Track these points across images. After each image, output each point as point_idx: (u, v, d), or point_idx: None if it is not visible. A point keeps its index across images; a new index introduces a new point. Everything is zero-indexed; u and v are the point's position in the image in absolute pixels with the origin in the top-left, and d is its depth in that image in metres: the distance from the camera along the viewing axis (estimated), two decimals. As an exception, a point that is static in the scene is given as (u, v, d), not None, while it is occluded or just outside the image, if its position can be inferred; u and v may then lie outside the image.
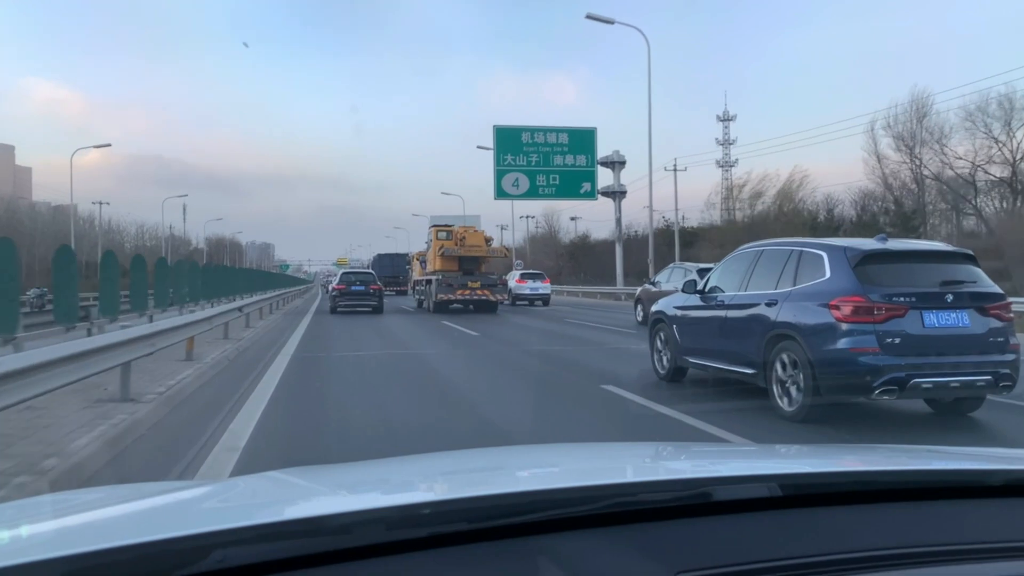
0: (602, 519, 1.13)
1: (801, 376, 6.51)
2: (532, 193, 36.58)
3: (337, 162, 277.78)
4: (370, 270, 34.56)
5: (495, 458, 1.96)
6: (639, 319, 19.91)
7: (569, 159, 36.68)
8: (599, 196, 37.62)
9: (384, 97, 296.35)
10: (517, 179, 36.65)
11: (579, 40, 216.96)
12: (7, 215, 60.12)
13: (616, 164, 37.50)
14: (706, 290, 8.35)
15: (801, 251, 7.18)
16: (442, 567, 1.02)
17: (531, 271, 36.65)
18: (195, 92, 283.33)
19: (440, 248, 27.15)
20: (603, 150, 37.58)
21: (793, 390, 6.64)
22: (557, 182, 36.50)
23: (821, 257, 6.86)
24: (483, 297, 26.06)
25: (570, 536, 1.10)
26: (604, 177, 37.80)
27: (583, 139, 36.94)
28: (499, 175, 36.45)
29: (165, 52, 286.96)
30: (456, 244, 27.13)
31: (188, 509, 1.35)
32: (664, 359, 9.22)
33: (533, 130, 36.97)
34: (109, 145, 50.06)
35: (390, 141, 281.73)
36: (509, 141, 36.44)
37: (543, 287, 33.60)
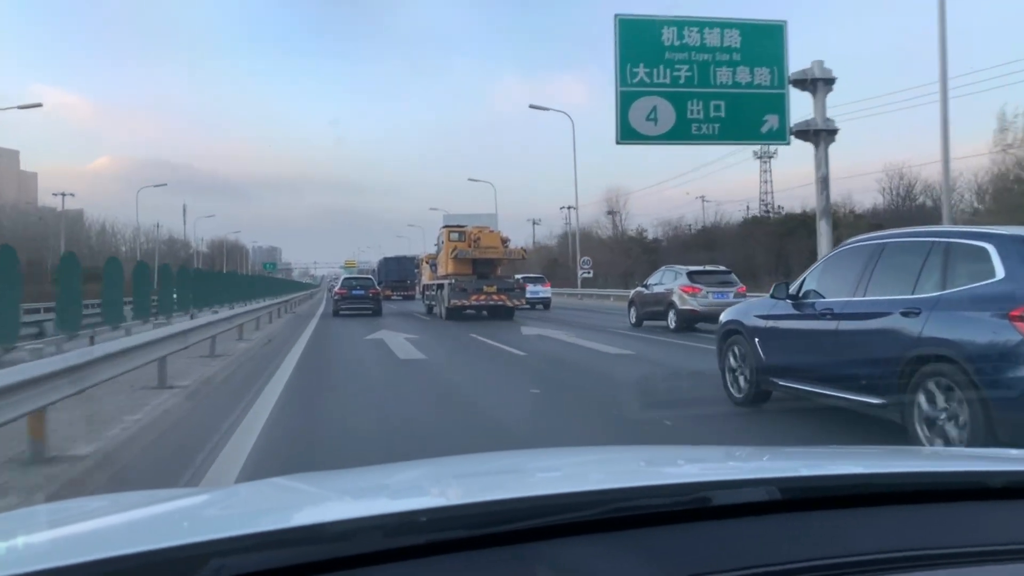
0: (601, 524, 1.18)
1: (965, 411, 5.43)
2: (681, 133, 21.06)
3: (346, 162, 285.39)
4: (369, 276, 38.81)
5: (495, 463, 2.04)
6: (632, 321, 21.96)
7: (742, 75, 21.44)
8: (791, 138, 21.00)
9: (396, 95, 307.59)
10: (655, 108, 21.33)
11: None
12: (10, 220, 65.15)
13: (819, 83, 21.65)
14: (800, 295, 7.21)
15: (948, 243, 5.99)
16: (442, 574, 1.09)
17: (532, 275, 38.06)
18: (203, 97, 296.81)
19: (453, 250, 25.78)
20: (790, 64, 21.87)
21: (951, 428, 5.58)
22: (722, 114, 20.95)
23: (985, 251, 5.63)
24: (499, 302, 25.17)
25: (568, 542, 1.14)
26: (797, 107, 21.49)
27: (765, 40, 21.59)
28: (624, 101, 20.90)
29: (172, 57, 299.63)
30: (470, 246, 25.93)
31: (186, 517, 1.43)
32: (741, 380, 8.08)
33: (682, 24, 21.30)
34: (40, 105, 46.32)
35: (404, 137, 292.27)
36: (641, 42, 21.02)
37: (543, 291, 35.92)
